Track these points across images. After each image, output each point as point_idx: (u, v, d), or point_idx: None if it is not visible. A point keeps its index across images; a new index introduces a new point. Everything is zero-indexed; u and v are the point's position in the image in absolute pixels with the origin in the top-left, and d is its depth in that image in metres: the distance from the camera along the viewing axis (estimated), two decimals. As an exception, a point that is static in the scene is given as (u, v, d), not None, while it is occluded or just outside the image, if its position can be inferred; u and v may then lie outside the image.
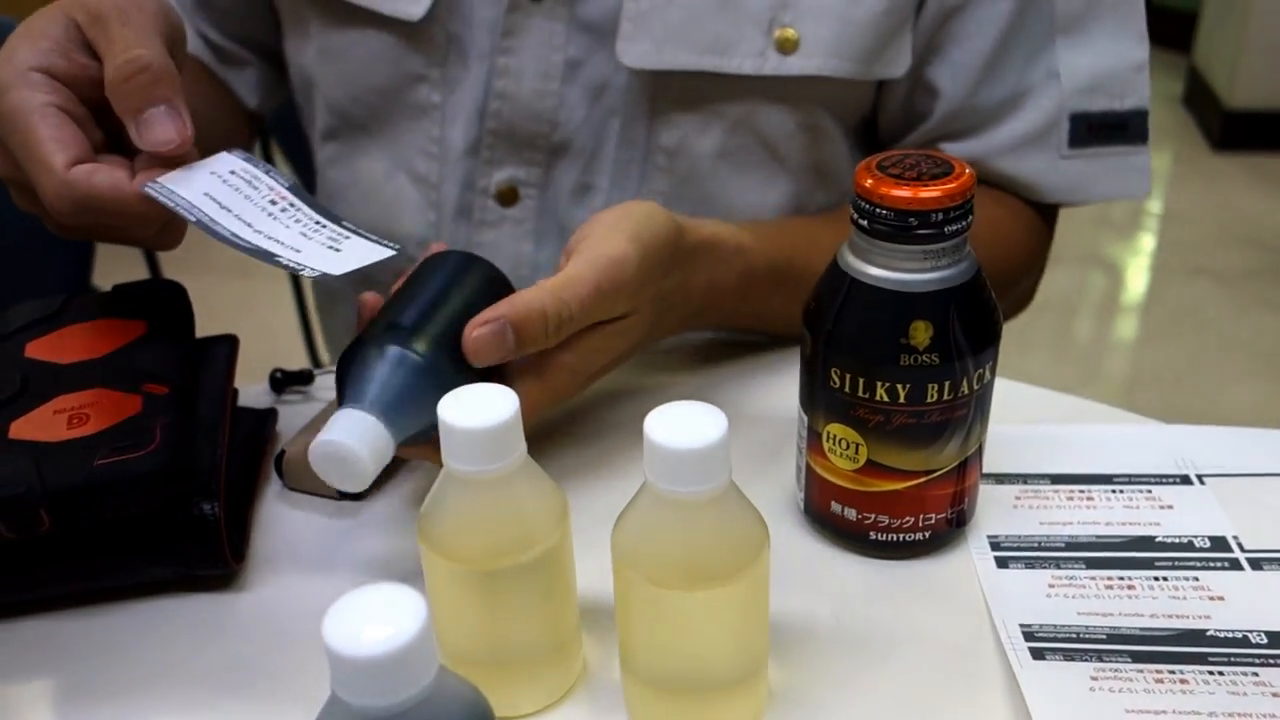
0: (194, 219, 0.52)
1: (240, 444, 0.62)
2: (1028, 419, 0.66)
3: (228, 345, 0.64)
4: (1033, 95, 0.76)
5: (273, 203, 0.54)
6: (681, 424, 0.43)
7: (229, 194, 0.54)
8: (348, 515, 0.62)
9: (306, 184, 1.21)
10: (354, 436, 0.48)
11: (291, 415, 0.68)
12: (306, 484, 0.63)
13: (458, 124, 0.77)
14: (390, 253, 0.53)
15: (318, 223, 0.54)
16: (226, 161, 0.55)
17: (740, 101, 0.74)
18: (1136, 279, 2.60)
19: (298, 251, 0.52)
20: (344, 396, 0.51)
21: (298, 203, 0.54)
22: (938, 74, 0.76)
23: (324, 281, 0.89)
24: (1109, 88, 0.76)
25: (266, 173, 0.55)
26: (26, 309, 0.61)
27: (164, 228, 0.56)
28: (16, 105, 0.52)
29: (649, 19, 0.71)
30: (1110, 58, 0.76)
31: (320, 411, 0.66)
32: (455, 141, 0.78)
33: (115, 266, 1.04)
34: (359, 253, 0.53)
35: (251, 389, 0.70)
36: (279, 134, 1.26)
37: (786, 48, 0.72)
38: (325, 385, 0.71)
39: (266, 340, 0.74)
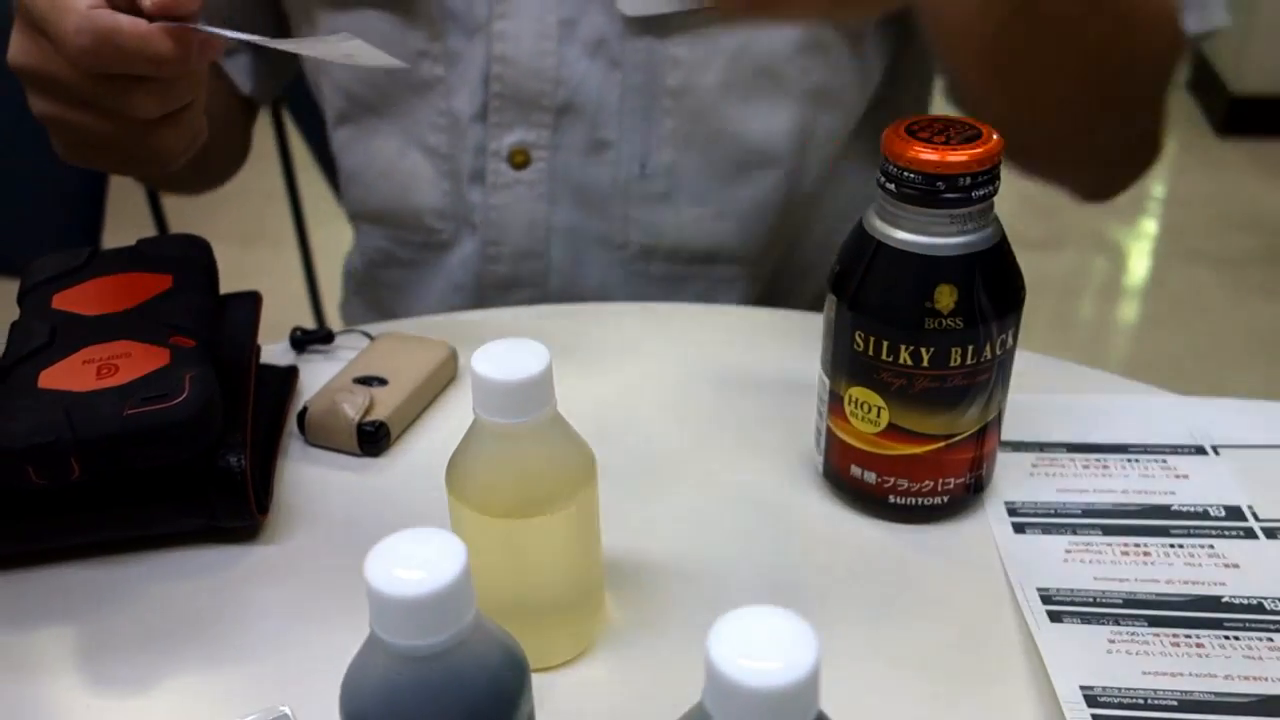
0: (224, 34, 0.54)
1: (264, 399, 0.62)
2: (1044, 389, 0.66)
3: (252, 301, 0.64)
4: None
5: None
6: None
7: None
8: (369, 470, 0.62)
9: (326, 170, 1.22)
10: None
11: (312, 373, 0.69)
12: (328, 440, 0.63)
13: (463, 93, 0.78)
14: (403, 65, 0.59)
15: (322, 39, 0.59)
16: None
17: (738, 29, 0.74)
18: (1139, 263, 2.61)
19: (331, 45, 0.57)
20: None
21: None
22: None
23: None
24: None
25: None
26: (53, 260, 0.62)
27: (172, 117, 0.57)
28: None
29: None
30: None
31: (340, 371, 0.66)
32: (463, 110, 0.78)
33: (125, 232, 1.04)
34: (375, 55, 0.58)
35: (271, 348, 0.71)
36: (301, 126, 1.28)
37: None
38: (345, 344, 0.72)
39: (275, 307, 0.75)
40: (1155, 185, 2.88)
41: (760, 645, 0.32)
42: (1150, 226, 2.73)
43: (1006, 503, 0.59)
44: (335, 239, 1.11)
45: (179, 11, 0.54)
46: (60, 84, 0.56)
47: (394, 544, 0.36)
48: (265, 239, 1.36)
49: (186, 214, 1.34)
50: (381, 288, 0.92)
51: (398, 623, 0.35)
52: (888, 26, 0.81)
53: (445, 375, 0.68)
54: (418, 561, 0.35)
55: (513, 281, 0.82)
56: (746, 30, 0.74)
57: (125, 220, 1.42)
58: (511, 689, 0.38)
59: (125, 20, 0.53)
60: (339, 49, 0.57)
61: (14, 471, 0.50)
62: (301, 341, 0.71)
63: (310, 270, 1.63)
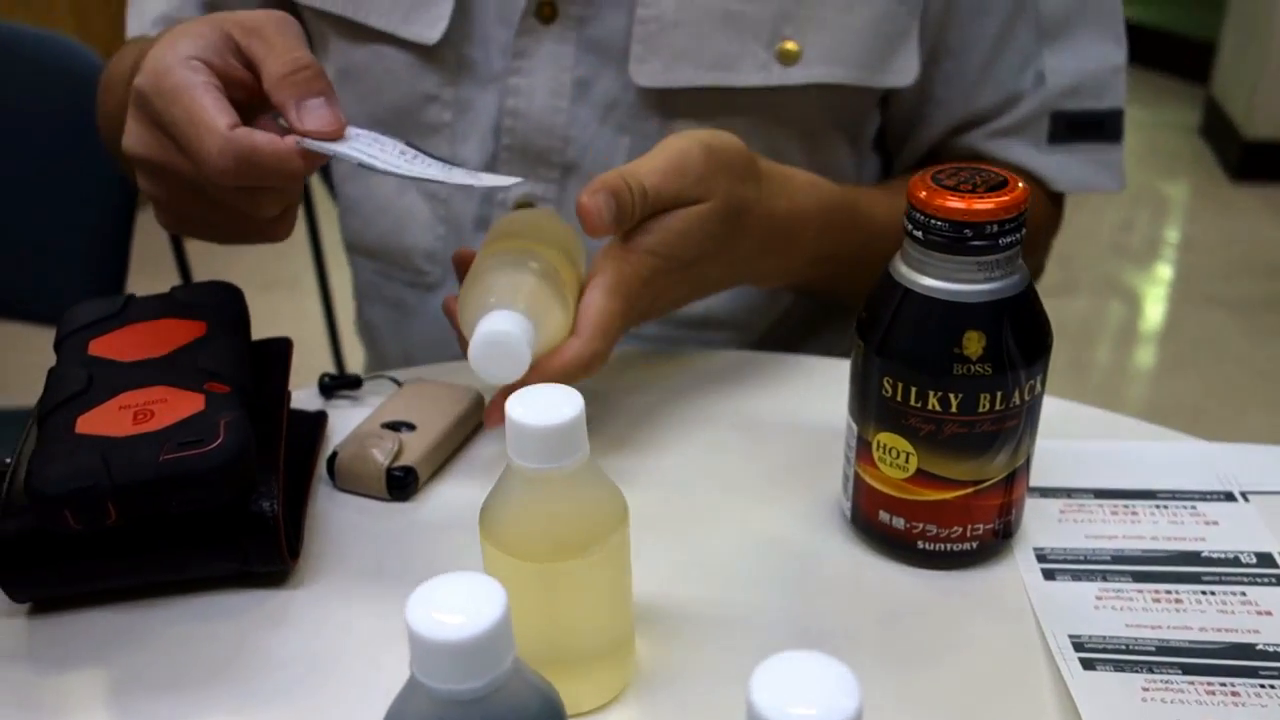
0: (357, 160, 0.56)
1: (295, 444, 0.63)
2: (1069, 434, 0.67)
3: (283, 347, 0.65)
4: (1022, 98, 0.80)
5: (402, 153, 0.59)
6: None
7: (367, 147, 0.58)
8: (396, 515, 0.62)
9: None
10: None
11: (340, 419, 0.69)
12: (357, 485, 0.63)
13: (471, 141, 0.79)
14: (518, 180, 0.61)
15: (444, 163, 0.60)
16: (350, 130, 0.59)
17: (745, 113, 0.76)
18: (1154, 308, 2.61)
19: (450, 177, 0.58)
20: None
21: (419, 153, 0.61)
22: (934, 84, 0.79)
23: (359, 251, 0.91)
24: (1090, 89, 0.81)
25: (383, 133, 0.60)
26: (89, 308, 0.62)
27: (285, 211, 0.60)
28: (180, 82, 0.55)
29: (658, 40, 0.74)
30: (1092, 60, 0.80)
31: (369, 416, 0.67)
32: (470, 158, 0.80)
33: (149, 278, 1.06)
34: (496, 179, 0.59)
35: (298, 393, 0.71)
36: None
37: (788, 59, 0.74)
38: (373, 389, 0.72)
39: (295, 352, 0.77)
40: (1169, 230, 2.88)
41: (803, 690, 0.32)
42: (1165, 271, 2.73)
43: (1035, 549, 0.59)
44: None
45: (327, 138, 0.56)
46: (183, 179, 0.58)
47: (435, 587, 0.36)
48: (283, 284, 1.38)
49: (209, 260, 1.35)
50: (370, 327, 0.93)
51: (439, 666, 0.35)
52: (879, 141, 0.86)
53: (472, 421, 0.68)
54: (459, 605, 0.35)
55: None
56: (751, 116, 0.77)
57: (149, 266, 1.44)
58: (550, 735, 0.38)
59: (263, 141, 0.54)
60: (462, 178, 0.59)
61: (52, 516, 0.51)
62: (330, 387, 0.72)
63: (331, 315, 1.65)
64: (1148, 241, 2.84)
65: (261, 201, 0.58)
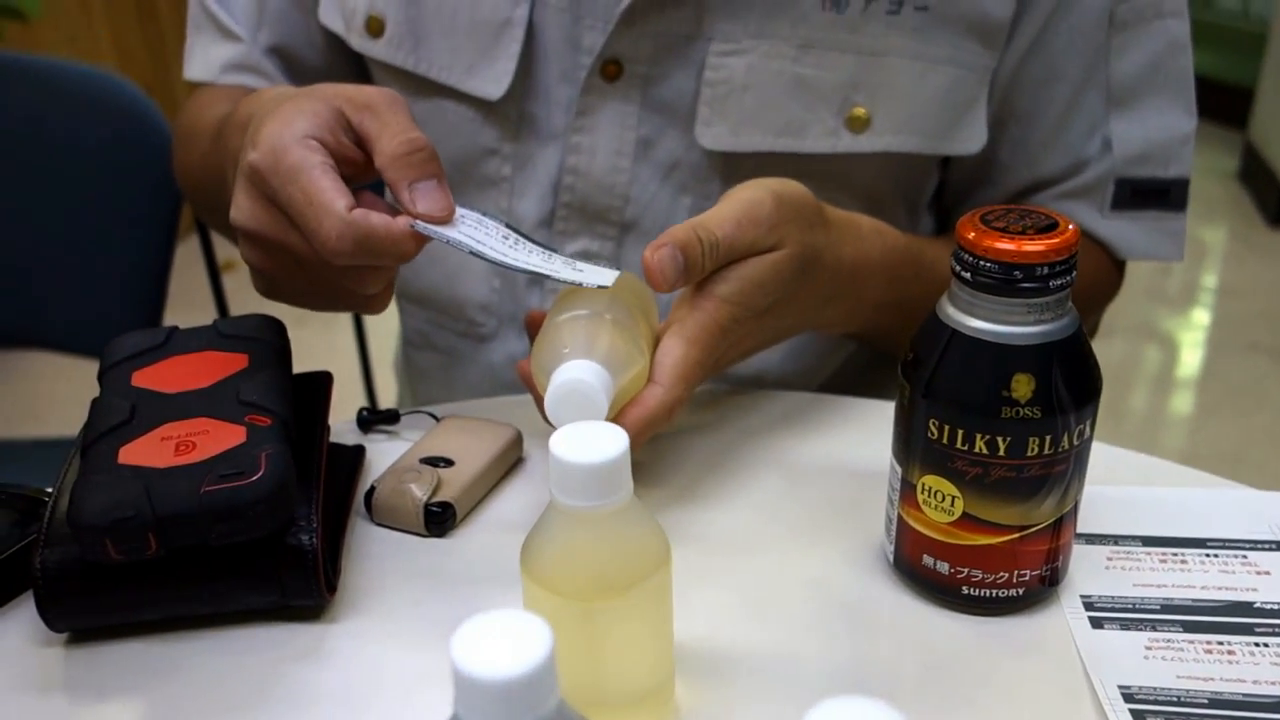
0: (468, 248, 0.58)
1: (333, 478, 0.63)
2: (1114, 481, 0.65)
3: (323, 381, 0.65)
4: (1088, 164, 0.79)
5: (505, 238, 0.61)
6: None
7: (473, 231, 0.59)
8: (434, 551, 0.62)
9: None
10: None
11: (378, 454, 0.69)
12: (394, 520, 0.63)
13: (528, 197, 0.79)
14: (618, 273, 0.61)
15: (544, 250, 0.62)
16: (457, 211, 0.60)
17: (810, 178, 0.76)
18: (1192, 354, 2.58)
19: (555, 270, 0.60)
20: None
21: (519, 237, 0.62)
22: (999, 149, 0.78)
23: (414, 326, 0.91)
24: (1157, 157, 0.79)
25: (484, 214, 0.62)
26: (133, 339, 0.63)
27: (386, 287, 0.61)
28: (297, 162, 0.56)
29: (726, 104, 0.73)
30: (1160, 129, 0.79)
31: (407, 451, 0.67)
32: (527, 213, 0.80)
33: (186, 312, 1.07)
34: (597, 272, 0.61)
35: (335, 427, 0.71)
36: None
37: (857, 126, 0.74)
38: (410, 424, 0.72)
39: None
40: (1206, 275, 2.86)
41: (854, 739, 0.32)
42: (1202, 316, 2.71)
43: (1082, 596, 0.58)
44: (388, 321, 1.13)
45: (437, 222, 0.58)
46: (292, 255, 0.59)
47: (479, 624, 0.36)
48: (318, 320, 1.38)
49: (246, 295, 1.37)
50: (416, 373, 0.93)
51: (483, 705, 0.35)
52: (931, 206, 0.85)
53: (511, 458, 0.68)
54: (504, 643, 0.35)
55: None
56: (815, 181, 0.77)
57: (186, 300, 1.45)
58: (592, 778, 0.37)
59: (379, 224, 0.56)
60: (564, 270, 0.60)
61: (94, 546, 0.51)
62: (368, 421, 0.72)
63: (364, 353, 1.66)
64: (1185, 287, 2.81)
65: (369, 279, 0.59)
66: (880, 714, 0.32)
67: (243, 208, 0.59)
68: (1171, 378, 2.49)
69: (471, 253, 0.58)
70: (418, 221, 0.58)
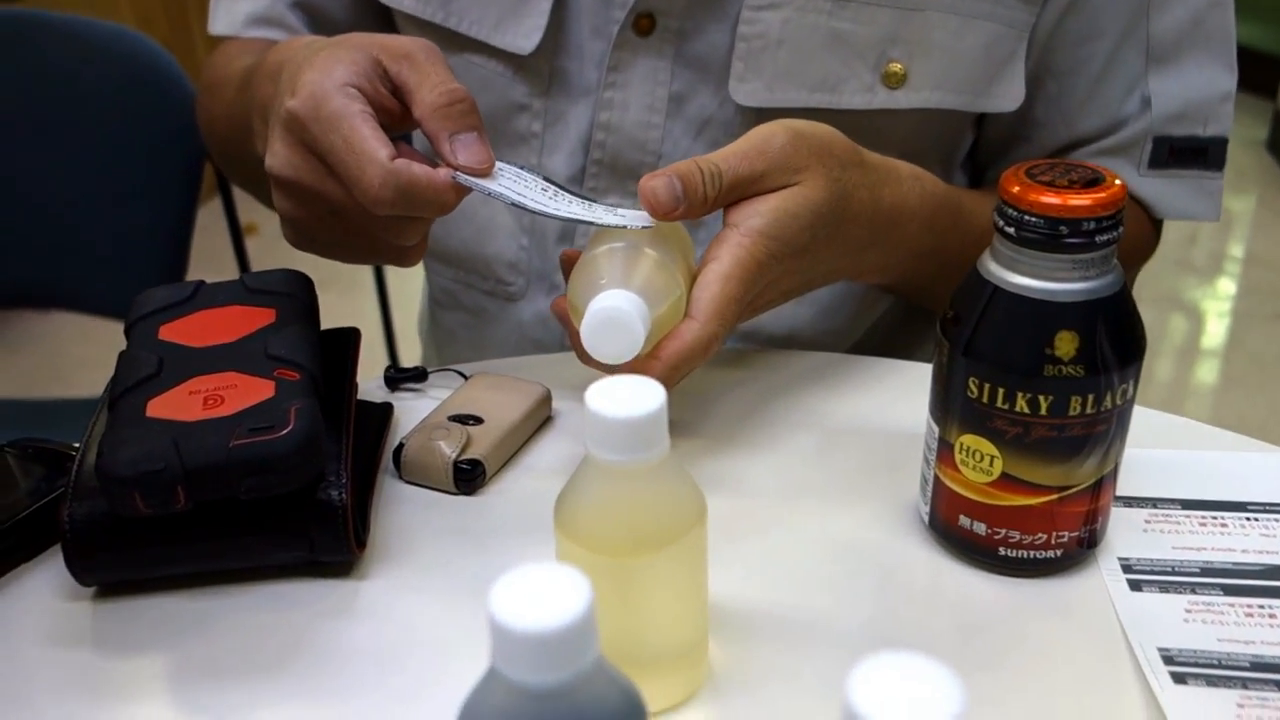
0: (509, 199, 0.58)
1: (361, 435, 0.62)
2: (1153, 443, 0.64)
3: (351, 337, 0.65)
4: (1126, 122, 0.78)
5: (544, 189, 0.60)
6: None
7: (512, 184, 0.59)
8: (463, 508, 0.61)
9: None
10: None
11: (405, 412, 0.69)
12: (423, 477, 0.63)
13: (559, 153, 0.78)
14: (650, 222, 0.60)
15: (585, 200, 0.61)
16: (497, 165, 0.60)
17: (845, 134, 0.74)
18: (1217, 323, 2.55)
19: (597, 216, 0.59)
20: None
21: (558, 189, 0.62)
22: (1036, 106, 0.76)
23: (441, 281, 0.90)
24: (1195, 115, 0.78)
25: (522, 167, 0.61)
26: (160, 293, 0.62)
27: (421, 239, 0.61)
28: (338, 109, 0.56)
29: (760, 59, 0.72)
30: (1200, 87, 0.77)
31: (435, 409, 0.66)
32: (558, 169, 0.78)
33: (208, 274, 1.06)
34: (640, 216, 0.60)
35: (362, 386, 0.70)
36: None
37: (893, 82, 0.72)
38: (437, 383, 0.72)
39: None
40: (1233, 245, 2.83)
41: (903, 695, 0.31)
42: (1228, 286, 2.68)
43: (1120, 559, 0.57)
44: (411, 284, 1.12)
45: (478, 174, 0.57)
46: (328, 204, 0.58)
47: (518, 577, 0.35)
48: (340, 283, 1.38)
49: (268, 256, 1.36)
50: (443, 333, 0.92)
51: (522, 657, 0.34)
52: (965, 164, 0.83)
53: (540, 416, 0.67)
54: (543, 595, 0.34)
55: None
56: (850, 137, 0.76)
57: (208, 261, 1.45)
58: (631, 733, 0.37)
59: (421, 174, 0.55)
60: (607, 216, 0.59)
61: (122, 499, 0.50)
62: (395, 380, 0.71)
63: (387, 315, 1.65)
64: (1211, 256, 2.78)
65: (407, 230, 0.59)
66: (928, 670, 0.32)
67: (279, 154, 0.58)
68: (1197, 347, 2.47)
69: (513, 204, 0.58)
70: (458, 173, 0.57)
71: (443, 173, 0.56)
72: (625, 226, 0.58)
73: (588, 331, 0.55)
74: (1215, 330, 2.53)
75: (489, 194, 0.58)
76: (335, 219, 0.59)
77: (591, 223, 0.58)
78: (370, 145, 0.55)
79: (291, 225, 0.61)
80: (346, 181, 0.56)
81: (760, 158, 0.61)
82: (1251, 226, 2.92)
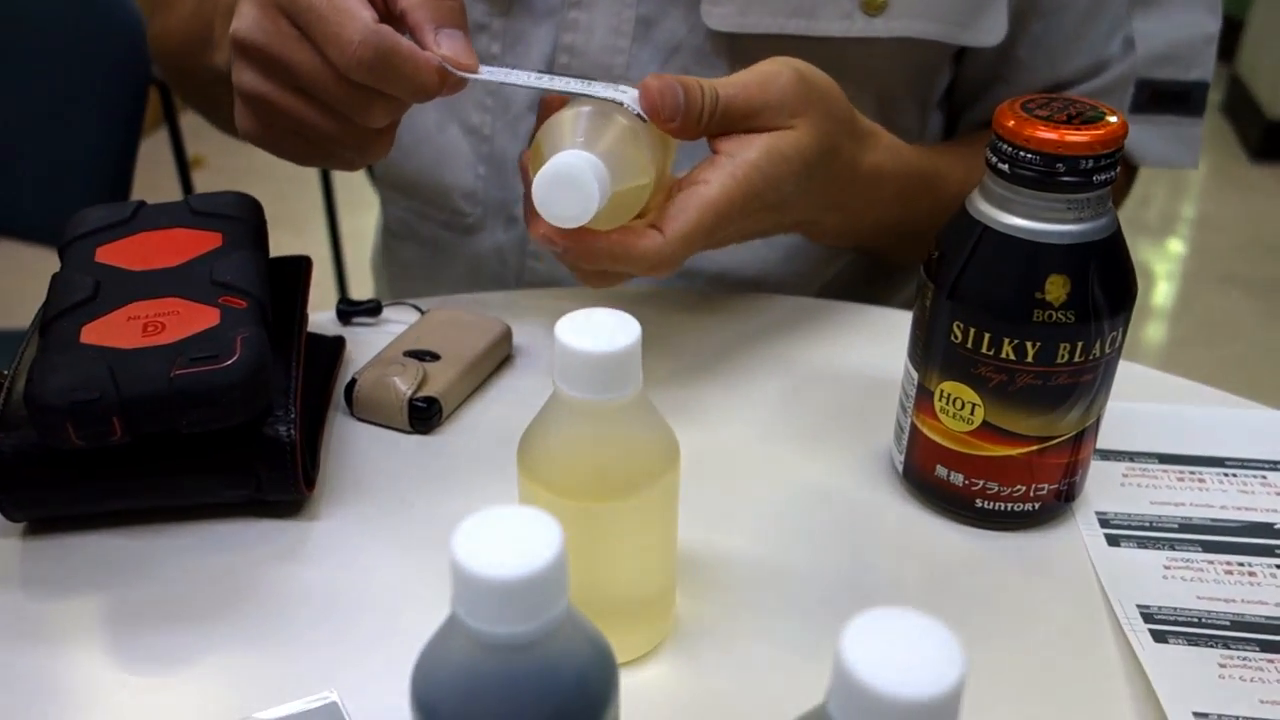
0: (498, 81, 0.56)
1: (312, 369, 0.59)
2: (1127, 396, 0.63)
3: (302, 266, 0.61)
4: (1109, 64, 0.76)
5: (538, 76, 0.58)
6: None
7: (503, 74, 0.57)
8: (417, 447, 0.59)
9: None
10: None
11: (358, 347, 0.66)
12: (376, 415, 0.60)
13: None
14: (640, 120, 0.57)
15: (583, 79, 0.57)
16: (482, 69, 0.57)
17: (821, 66, 0.71)
18: (1167, 285, 2.57)
19: (595, 90, 0.56)
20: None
21: (553, 75, 0.59)
22: (1019, 45, 0.74)
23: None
24: (1179, 58, 0.77)
25: (513, 68, 0.59)
26: (97, 213, 0.58)
27: (387, 129, 0.58)
28: None
29: None
30: (1184, 27, 0.76)
31: (390, 343, 0.63)
32: (518, 95, 0.75)
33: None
34: (635, 99, 0.57)
35: (313, 318, 0.67)
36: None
37: (873, 9, 0.69)
38: (392, 317, 0.68)
39: None
40: (1186, 207, 2.84)
41: (900, 652, 0.29)
42: (1179, 248, 2.70)
43: (1098, 513, 0.55)
44: (365, 223, 1.08)
45: (463, 70, 0.55)
46: (295, 73, 0.54)
47: (483, 520, 0.32)
48: (290, 222, 1.34)
49: (213, 190, 1.31)
50: (397, 266, 0.89)
51: (486, 607, 0.31)
52: (942, 104, 0.81)
53: (500, 353, 0.64)
54: (512, 539, 0.32)
55: (554, 280, 0.79)
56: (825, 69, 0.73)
57: (152, 196, 1.39)
58: (601, 687, 0.34)
59: (405, 46, 0.52)
60: (605, 91, 0.56)
61: (53, 429, 0.47)
62: (348, 313, 0.68)
63: (339, 255, 1.61)
64: (1164, 218, 2.80)
65: (375, 108, 0.55)
66: (924, 626, 0.30)
67: (247, 17, 0.54)
68: (1147, 307, 2.48)
69: (503, 84, 0.55)
70: (445, 62, 0.54)
71: (430, 54, 0.53)
72: (623, 104, 0.55)
73: (540, 185, 0.51)
74: (1164, 291, 2.55)
75: (475, 79, 0.55)
76: (298, 97, 0.55)
77: (589, 96, 0.55)
78: (353, 3, 0.52)
79: (250, 106, 0.57)
80: (322, 41, 0.52)
81: (760, 92, 0.58)
82: (1203, 189, 2.94)
